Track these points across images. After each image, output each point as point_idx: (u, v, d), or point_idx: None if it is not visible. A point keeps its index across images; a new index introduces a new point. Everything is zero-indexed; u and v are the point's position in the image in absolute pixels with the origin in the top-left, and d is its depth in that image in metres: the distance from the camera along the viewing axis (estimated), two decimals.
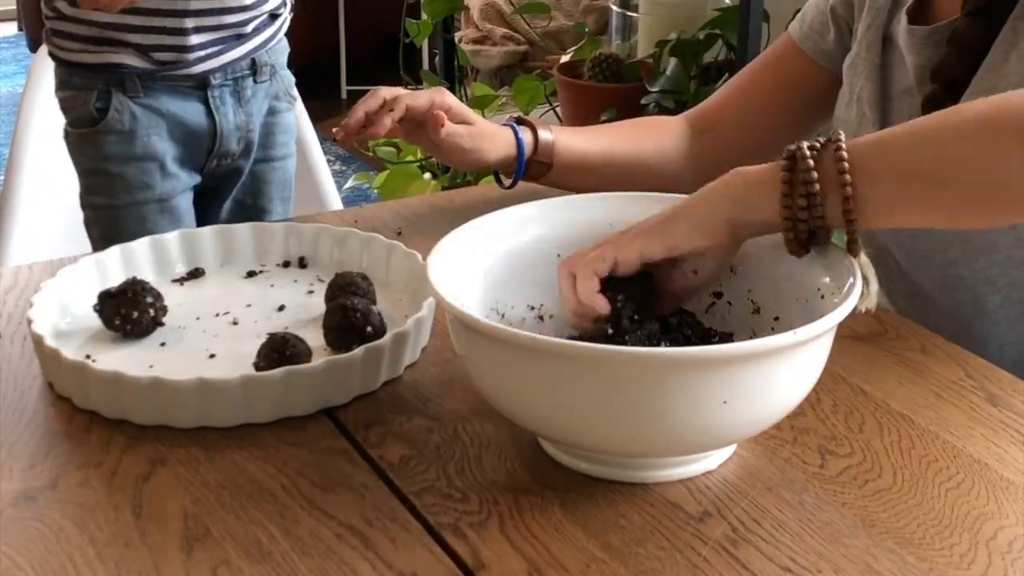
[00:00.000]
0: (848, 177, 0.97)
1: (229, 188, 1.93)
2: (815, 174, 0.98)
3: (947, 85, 1.26)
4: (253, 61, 1.86)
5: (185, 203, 1.86)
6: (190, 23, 1.77)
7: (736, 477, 1.01)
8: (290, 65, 1.99)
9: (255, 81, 1.87)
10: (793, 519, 0.96)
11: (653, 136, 1.48)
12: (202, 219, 1.91)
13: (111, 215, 1.82)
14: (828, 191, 0.98)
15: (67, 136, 1.84)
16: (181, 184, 1.85)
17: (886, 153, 1.00)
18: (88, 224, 1.87)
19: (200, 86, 1.82)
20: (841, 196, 0.98)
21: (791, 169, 0.99)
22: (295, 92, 1.98)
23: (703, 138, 1.49)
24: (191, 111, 1.81)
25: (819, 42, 1.45)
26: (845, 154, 0.98)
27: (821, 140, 1.00)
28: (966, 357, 1.19)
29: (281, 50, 1.93)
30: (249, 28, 1.84)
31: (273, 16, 1.89)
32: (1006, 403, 1.11)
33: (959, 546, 0.93)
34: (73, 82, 1.80)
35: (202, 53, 1.79)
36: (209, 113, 1.82)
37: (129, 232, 1.76)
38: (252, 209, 1.94)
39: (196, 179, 1.88)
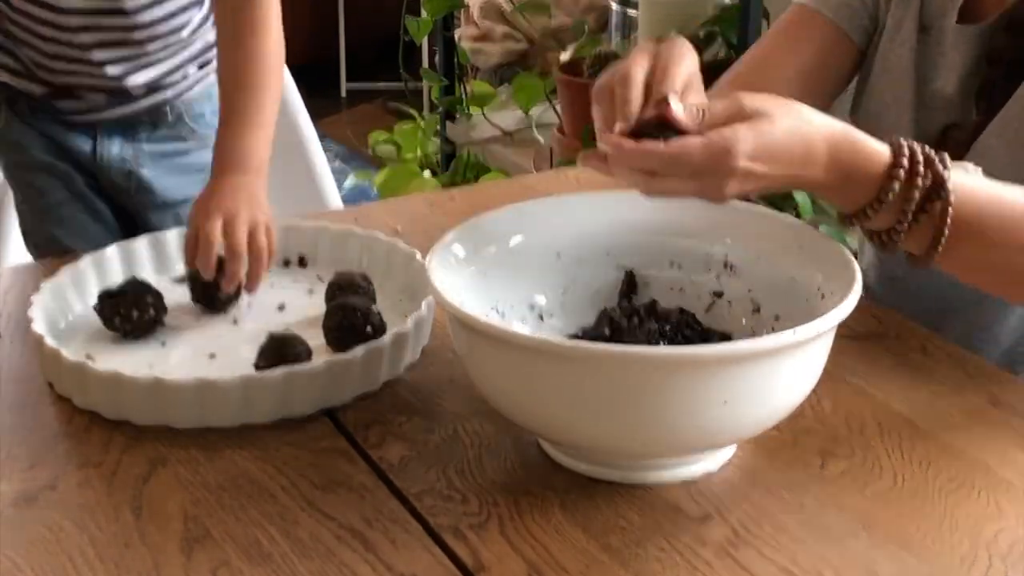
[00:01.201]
0: (945, 235, 1.00)
1: (146, 222, 1.75)
2: (911, 215, 0.99)
3: (1006, 69, 1.24)
4: (157, 107, 1.72)
5: (100, 201, 1.74)
6: (98, 68, 1.64)
7: (736, 479, 1.01)
8: (291, 65, 1.92)
9: (153, 128, 1.72)
10: (794, 521, 0.96)
11: None
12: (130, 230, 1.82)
13: (32, 222, 1.74)
14: (919, 237, 1.00)
15: None
16: (82, 183, 1.72)
17: (986, 223, 1.02)
18: (24, 234, 1.78)
19: (89, 123, 1.70)
20: (927, 245, 1.01)
21: (894, 180, 0.98)
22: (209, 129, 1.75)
23: None
24: (77, 142, 1.69)
25: (853, 17, 1.37)
26: (951, 210, 0.99)
27: (930, 170, 0.99)
28: (966, 357, 1.19)
29: (201, 95, 1.75)
30: (178, 75, 1.71)
31: (203, 63, 1.74)
32: (1006, 404, 1.11)
33: (960, 548, 0.93)
34: None
35: (109, 100, 1.68)
36: (94, 149, 1.70)
37: (54, 236, 1.69)
38: None
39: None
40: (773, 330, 1.07)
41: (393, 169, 3.20)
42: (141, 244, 1.31)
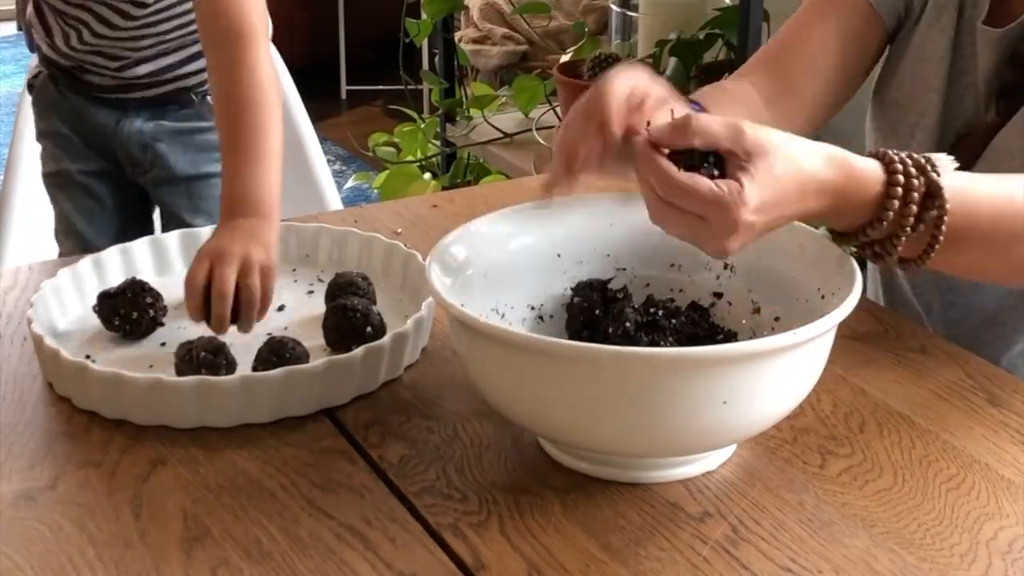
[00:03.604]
0: (940, 241, 1.00)
1: (160, 198, 1.88)
2: (909, 228, 0.99)
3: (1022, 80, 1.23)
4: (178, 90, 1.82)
5: (102, 188, 1.85)
6: (141, 70, 1.76)
7: (736, 477, 1.01)
8: (291, 65, 1.97)
9: (180, 107, 1.82)
10: (793, 519, 0.96)
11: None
12: (139, 221, 1.91)
13: (45, 182, 1.87)
14: (913, 244, 1.00)
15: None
16: (94, 165, 1.83)
17: (978, 222, 1.03)
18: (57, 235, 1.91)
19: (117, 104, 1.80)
20: (921, 250, 1.01)
21: (892, 198, 0.98)
22: None
23: (776, 106, 1.35)
24: (104, 116, 1.80)
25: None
26: (947, 217, 0.99)
27: (923, 178, 0.99)
28: (966, 357, 1.19)
29: None
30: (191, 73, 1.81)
31: None
32: (1006, 403, 1.11)
33: (959, 546, 0.93)
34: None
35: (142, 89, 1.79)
36: (118, 123, 1.80)
37: (56, 200, 1.84)
38: (184, 223, 1.89)
39: (110, 166, 1.85)
40: (773, 331, 1.07)
41: (393, 171, 3.20)
42: (141, 245, 1.31)
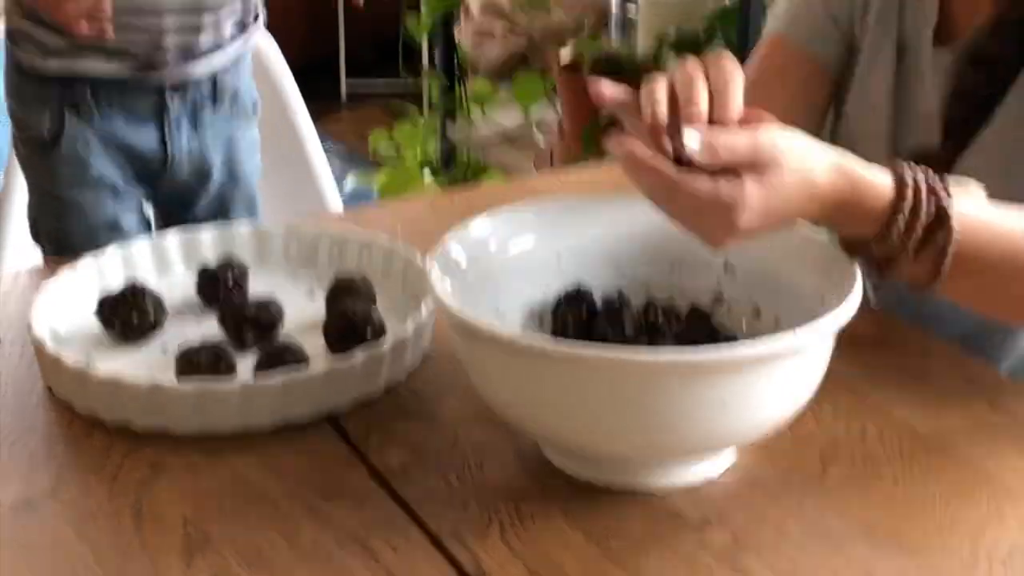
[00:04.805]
0: (945, 266, 0.99)
1: (187, 205, 1.92)
2: (913, 251, 0.98)
3: (976, 107, 1.23)
4: (215, 85, 1.84)
5: (134, 219, 1.87)
6: (169, 23, 1.75)
7: (737, 485, 1.00)
8: (291, 65, 1.98)
9: (214, 109, 1.85)
10: (794, 526, 0.95)
11: None
12: (167, 224, 1.92)
13: (60, 236, 1.82)
14: (919, 267, 0.99)
15: (16, 148, 1.82)
16: (132, 202, 1.85)
17: (988, 253, 1.01)
18: (35, 234, 1.88)
19: (157, 111, 1.80)
20: (928, 274, 1.00)
21: (899, 217, 0.97)
22: (258, 105, 1.96)
23: None
24: (144, 139, 1.80)
25: (827, 42, 1.35)
26: (953, 243, 0.98)
27: (935, 201, 0.98)
28: (967, 362, 1.19)
29: (245, 69, 1.91)
30: (226, 33, 1.82)
31: (242, 25, 1.87)
32: (1007, 409, 1.11)
33: (960, 553, 0.93)
34: (24, 91, 1.77)
35: (175, 55, 1.78)
36: (162, 140, 1.81)
37: (76, 249, 1.78)
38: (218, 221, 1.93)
39: (148, 190, 1.87)
40: (773, 334, 1.06)
41: (393, 171, 3.20)
42: (141, 248, 1.31)
